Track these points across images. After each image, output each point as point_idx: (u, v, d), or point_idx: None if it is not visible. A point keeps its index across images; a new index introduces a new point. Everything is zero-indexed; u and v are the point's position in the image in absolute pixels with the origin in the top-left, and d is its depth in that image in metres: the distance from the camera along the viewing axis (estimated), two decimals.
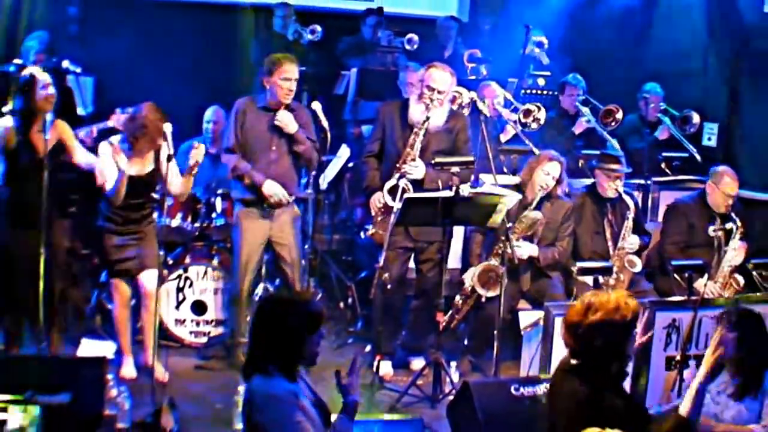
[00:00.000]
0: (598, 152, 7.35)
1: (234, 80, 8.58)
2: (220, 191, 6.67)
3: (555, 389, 3.88)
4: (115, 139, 5.74)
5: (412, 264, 6.28)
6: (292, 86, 5.91)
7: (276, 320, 3.58)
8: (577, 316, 3.71)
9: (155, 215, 5.98)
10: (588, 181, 6.99)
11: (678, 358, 5.64)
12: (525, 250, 6.19)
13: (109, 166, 5.63)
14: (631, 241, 6.53)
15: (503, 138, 7.50)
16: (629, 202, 6.54)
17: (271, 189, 5.98)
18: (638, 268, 6.53)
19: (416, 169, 5.92)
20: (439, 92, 5.93)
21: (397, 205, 5.75)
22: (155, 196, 5.86)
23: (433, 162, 5.78)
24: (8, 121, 5.56)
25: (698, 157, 7.84)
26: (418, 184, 5.92)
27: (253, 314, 3.74)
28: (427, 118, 5.91)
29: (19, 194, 5.61)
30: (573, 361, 3.76)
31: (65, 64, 6.75)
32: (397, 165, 5.99)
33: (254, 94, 6.23)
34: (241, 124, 6.02)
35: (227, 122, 6.27)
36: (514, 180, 6.59)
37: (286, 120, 5.94)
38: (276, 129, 5.98)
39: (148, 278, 5.84)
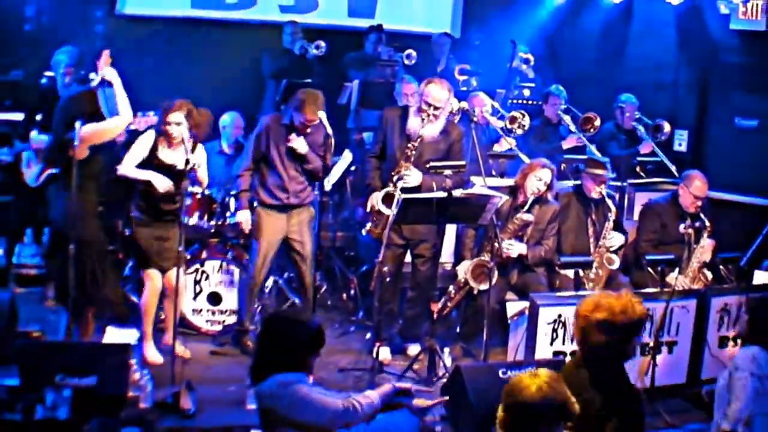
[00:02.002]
0: (577, 157, 7.39)
1: (247, 90, 8.59)
2: (234, 192, 6.67)
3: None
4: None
5: (408, 258, 6.28)
6: (308, 130, 5.98)
7: (285, 341, 3.56)
8: (585, 312, 3.67)
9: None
10: (569, 183, 7.00)
11: (651, 344, 5.67)
12: (515, 248, 6.20)
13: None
14: (615, 238, 6.54)
15: (498, 148, 7.52)
16: (611, 205, 6.54)
17: (241, 217, 6.14)
18: (616, 265, 6.53)
19: (410, 177, 5.93)
20: (435, 107, 5.92)
21: (390, 212, 5.78)
22: (183, 191, 5.83)
23: (427, 166, 5.79)
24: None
25: (675, 172, 7.76)
26: (415, 191, 5.91)
27: (261, 330, 3.73)
28: (420, 137, 5.92)
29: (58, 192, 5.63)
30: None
31: (92, 76, 6.73)
32: (392, 173, 6.00)
33: (280, 111, 6.32)
34: (266, 140, 6.04)
35: (249, 143, 6.25)
36: (509, 182, 6.59)
37: (297, 144, 5.99)
38: (292, 148, 6.04)
39: (172, 275, 5.83)
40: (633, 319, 3.65)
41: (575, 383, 3.46)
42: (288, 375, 3.52)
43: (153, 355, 5.88)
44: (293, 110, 5.98)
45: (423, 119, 5.91)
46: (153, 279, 5.89)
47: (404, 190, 5.87)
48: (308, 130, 5.98)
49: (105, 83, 6.18)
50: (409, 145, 5.95)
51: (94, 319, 5.72)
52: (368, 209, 6.14)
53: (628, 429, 3.64)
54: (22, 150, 6.64)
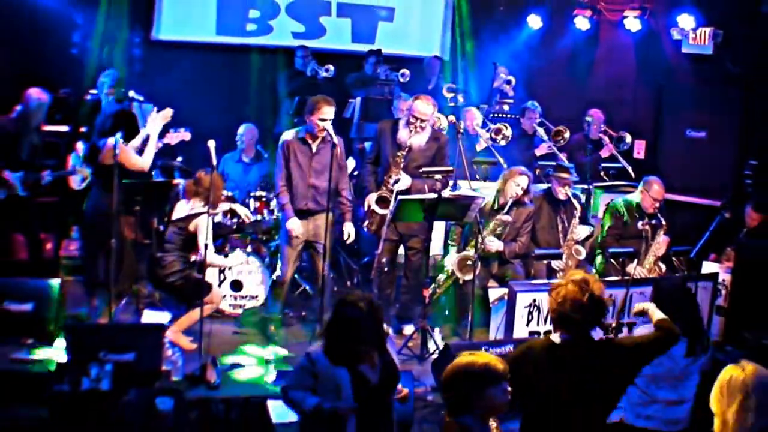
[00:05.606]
0: (548, 163, 7.40)
1: (263, 107, 8.59)
2: (252, 193, 6.68)
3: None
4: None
5: (402, 251, 6.30)
6: (327, 125, 5.77)
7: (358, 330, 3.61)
8: (579, 294, 3.48)
9: None
10: (542, 186, 7.02)
11: (614, 325, 5.68)
12: (494, 245, 6.20)
13: None
14: (580, 231, 6.56)
15: (478, 148, 7.55)
16: (576, 204, 6.56)
17: (291, 225, 5.89)
18: (583, 255, 6.55)
19: (399, 183, 5.93)
20: (422, 120, 5.96)
21: (383, 211, 5.79)
22: None
23: (420, 171, 5.81)
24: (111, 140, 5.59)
25: (632, 173, 7.80)
26: (405, 193, 5.92)
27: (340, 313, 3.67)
28: (410, 147, 5.94)
29: (101, 195, 5.67)
30: (556, 340, 3.54)
31: (131, 94, 6.75)
32: (385, 178, 6.01)
33: (298, 128, 6.10)
34: (288, 157, 5.90)
35: (277, 161, 6.00)
36: (492, 186, 6.60)
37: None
38: (314, 159, 5.90)
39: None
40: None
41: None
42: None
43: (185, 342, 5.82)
44: (307, 115, 5.82)
45: (411, 131, 5.94)
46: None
47: (397, 192, 5.88)
48: (323, 126, 5.75)
49: (140, 101, 6.23)
50: (399, 153, 5.97)
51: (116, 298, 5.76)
52: (366, 208, 6.15)
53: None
54: (64, 174, 6.70)
